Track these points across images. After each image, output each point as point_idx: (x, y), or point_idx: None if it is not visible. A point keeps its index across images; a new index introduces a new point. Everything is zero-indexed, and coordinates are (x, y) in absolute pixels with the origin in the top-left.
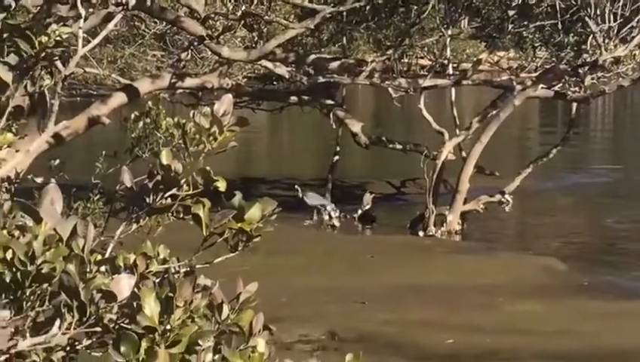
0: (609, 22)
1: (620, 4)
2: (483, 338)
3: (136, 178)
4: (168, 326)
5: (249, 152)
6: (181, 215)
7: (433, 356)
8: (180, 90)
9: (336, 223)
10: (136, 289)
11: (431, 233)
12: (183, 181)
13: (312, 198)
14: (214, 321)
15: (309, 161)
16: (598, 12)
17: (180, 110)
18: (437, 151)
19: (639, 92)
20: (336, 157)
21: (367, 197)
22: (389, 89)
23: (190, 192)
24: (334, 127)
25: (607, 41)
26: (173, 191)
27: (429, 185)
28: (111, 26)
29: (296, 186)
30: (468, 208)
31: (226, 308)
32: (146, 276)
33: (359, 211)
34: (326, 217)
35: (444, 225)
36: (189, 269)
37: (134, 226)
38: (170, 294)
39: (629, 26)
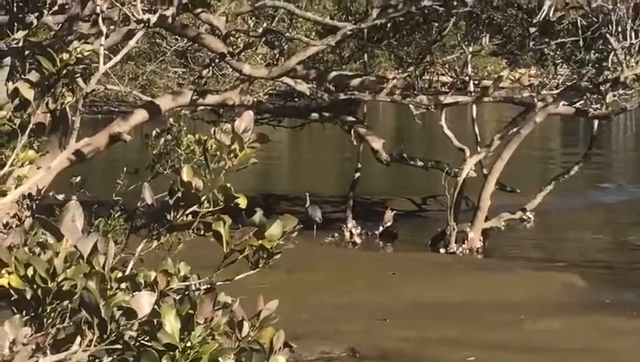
0: (630, 39)
1: None
2: (504, 356)
3: (158, 195)
4: (189, 344)
5: (270, 169)
6: (202, 232)
7: None
8: (201, 107)
9: (358, 240)
10: (156, 307)
11: (452, 250)
12: (203, 198)
13: (314, 211)
14: (235, 338)
15: (331, 177)
16: (619, 29)
17: (201, 127)
18: (458, 168)
19: None
20: (358, 174)
21: (389, 214)
22: (410, 106)
23: (211, 209)
24: (355, 143)
25: (628, 58)
26: (194, 208)
27: (450, 202)
28: (132, 43)
29: (307, 193)
30: (489, 225)
31: (246, 326)
32: (167, 293)
33: (380, 228)
34: (347, 234)
35: (466, 242)
36: (209, 286)
37: (155, 243)
38: (191, 311)
39: None
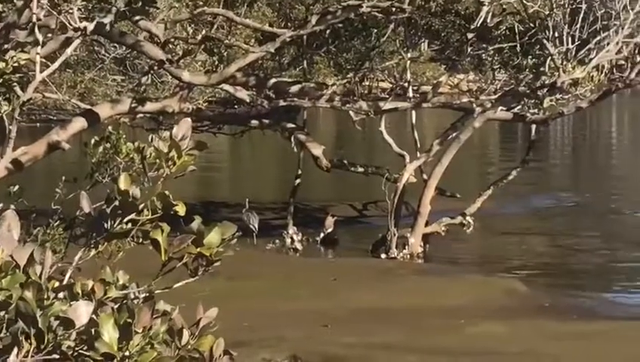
0: (567, 44)
1: (578, 26)
2: (446, 360)
3: (97, 203)
4: (127, 353)
5: (210, 176)
6: (140, 240)
7: None
8: (141, 115)
9: (299, 246)
10: (94, 316)
11: (393, 255)
12: (141, 206)
13: (249, 218)
14: (174, 347)
15: (271, 184)
16: (556, 34)
17: (141, 134)
18: (398, 174)
19: (598, 113)
20: (298, 181)
21: (329, 221)
22: (350, 112)
23: (149, 217)
24: (295, 150)
25: (565, 63)
26: (132, 216)
27: (390, 207)
28: (69, 50)
29: (247, 199)
30: (429, 230)
31: (186, 334)
32: (105, 302)
33: (321, 234)
34: (288, 241)
35: (406, 247)
36: (148, 295)
37: (93, 252)
38: (129, 320)
39: (587, 48)
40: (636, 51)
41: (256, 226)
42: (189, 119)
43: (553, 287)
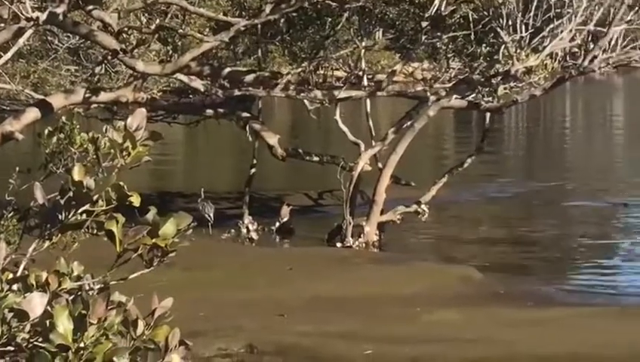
0: (520, 32)
1: (531, 14)
2: (401, 348)
3: (51, 194)
4: (82, 344)
5: (166, 166)
6: (95, 231)
7: None
8: (95, 105)
9: (254, 236)
10: (49, 308)
11: (348, 244)
12: (96, 197)
13: (204, 208)
14: (129, 338)
15: (227, 173)
16: (509, 23)
17: (95, 124)
18: (353, 163)
19: (552, 101)
20: (253, 170)
21: (285, 210)
22: (305, 101)
23: (104, 208)
24: (251, 139)
25: (519, 51)
26: (87, 207)
27: (345, 196)
28: (22, 40)
29: (202, 189)
30: (385, 219)
31: (141, 324)
32: (59, 294)
33: (277, 223)
34: (244, 230)
35: (362, 236)
36: (103, 286)
37: (47, 243)
38: (84, 311)
39: (540, 36)
40: (589, 39)
41: (212, 216)
42: (143, 109)
43: (508, 274)
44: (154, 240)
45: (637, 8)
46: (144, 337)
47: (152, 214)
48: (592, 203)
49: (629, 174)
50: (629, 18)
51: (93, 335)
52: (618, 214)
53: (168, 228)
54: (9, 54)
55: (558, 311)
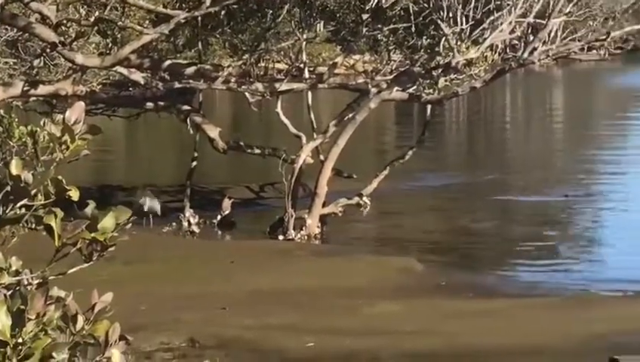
0: (461, 24)
1: (472, 6)
2: (343, 340)
3: None
4: (20, 340)
5: (106, 160)
6: (33, 226)
7: (294, 360)
8: (34, 98)
9: (196, 229)
10: None
11: (290, 237)
12: (34, 191)
13: (147, 200)
14: (69, 333)
15: (168, 167)
16: (450, 15)
17: (34, 118)
18: (295, 155)
19: (492, 93)
20: (195, 163)
21: (227, 203)
22: (246, 93)
23: (42, 202)
24: (192, 132)
25: (459, 43)
26: (25, 201)
27: (287, 189)
28: None
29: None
30: (327, 211)
31: (80, 319)
32: None
33: (218, 217)
34: (185, 223)
35: (304, 228)
36: (42, 281)
37: None
38: (22, 307)
39: (481, 28)
40: (529, 31)
41: (159, 209)
42: (82, 103)
43: (449, 266)
44: (93, 235)
45: (576, 0)
46: (84, 332)
47: (90, 208)
48: (533, 195)
49: (569, 166)
50: (568, 10)
51: (31, 331)
52: (558, 206)
53: (107, 222)
54: None
55: (498, 303)
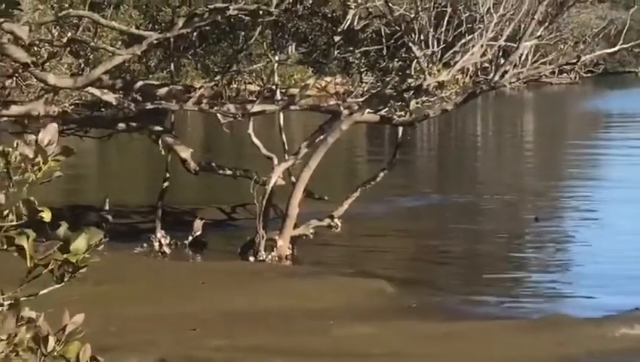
0: (432, 47)
1: (443, 29)
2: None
3: None
4: None
5: (78, 180)
6: (5, 246)
7: None
8: (5, 118)
9: (167, 250)
10: None
11: (261, 258)
12: (6, 212)
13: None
14: (40, 354)
15: (139, 187)
16: (421, 37)
17: (6, 138)
18: (266, 177)
19: (463, 115)
20: (166, 184)
21: (198, 224)
22: (218, 115)
23: (14, 223)
24: (163, 153)
25: (430, 65)
26: None
27: (258, 210)
28: None
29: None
30: (298, 233)
31: (52, 340)
32: None
33: (190, 237)
34: (156, 244)
35: (275, 249)
36: (13, 302)
37: None
38: None
39: (452, 51)
40: (500, 54)
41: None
42: (55, 124)
43: (420, 288)
44: (65, 256)
45: (547, 24)
46: (55, 353)
47: (63, 229)
48: (502, 216)
49: (539, 188)
50: (539, 34)
51: (2, 352)
52: (528, 228)
53: (79, 243)
54: None
55: (469, 325)
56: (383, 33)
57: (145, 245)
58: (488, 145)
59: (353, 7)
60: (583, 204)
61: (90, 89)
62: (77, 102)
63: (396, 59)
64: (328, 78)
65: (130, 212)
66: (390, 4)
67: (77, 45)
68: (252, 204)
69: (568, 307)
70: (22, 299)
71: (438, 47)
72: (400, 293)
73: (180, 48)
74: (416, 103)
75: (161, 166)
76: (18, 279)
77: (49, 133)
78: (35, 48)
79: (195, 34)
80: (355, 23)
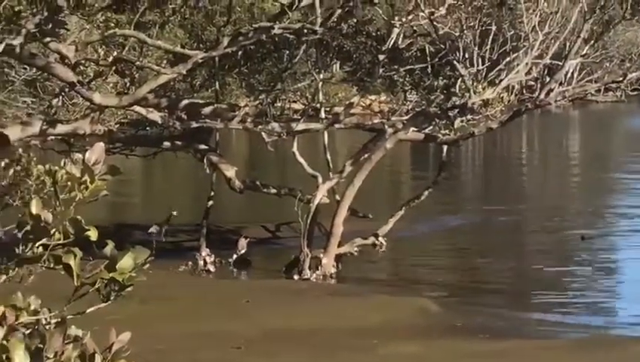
0: (477, 65)
1: (488, 47)
2: None
3: (8, 227)
4: None
5: (124, 198)
6: (52, 265)
7: None
8: (52, 137)
9: (212, 268)
10: (5, 342)
11: (306, 276)
12: (53, 230)
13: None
14: None
15: (184, 206)
16: (466, 56)
17: (52, 157)
18: (311, 195)
19: (508, 133)
20: (211, 202)
21: (242, 242)
22: (262, 133)
23: (61, 242)
24: (208, 171)
25: (475, 84)
26: (44, 240)
27: (303, 228)
28: None
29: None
30: (342, 251)
31: (98, 358)
32: (16, 327)
33: (234, 256)
34: (201, 262)
35: (319, 268)
36: (60, 320)
37: (3, 277)
38: (40, 345)
39: (497, 69)
40: (545, 72)
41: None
42: (102, 143)
43: (465, 306)
44: (111, 275)
45: (592, 42)
46: None
47: (109, 248)
48: (548, 235)
49: (585, 207)
50: (584, 52)
51: None
52: (574, 246)
53: (126, 262)
54: None
55: (514, 344)
56: (427, 51)
57: (190, 263)
58: (533, 163)
59: (398, 25)
60: (630, 224)
61: (136, 108)
62: (122, 120)
63: (441, 78)
64: (373, 97)
65: (175, 230)
66: (435, 23)
67: (122, 64)
68: (296, 223)
69: (617, 326)
70: (69, 317)
71: (482, 65)
72: (444, 312)
73: (224, 67)
74: (461, 122)
75: (206, 184)
76: (65, 297)
77: (96, 153)
78: (81, 67)
79: (239, 53)
80: (400, 42)
